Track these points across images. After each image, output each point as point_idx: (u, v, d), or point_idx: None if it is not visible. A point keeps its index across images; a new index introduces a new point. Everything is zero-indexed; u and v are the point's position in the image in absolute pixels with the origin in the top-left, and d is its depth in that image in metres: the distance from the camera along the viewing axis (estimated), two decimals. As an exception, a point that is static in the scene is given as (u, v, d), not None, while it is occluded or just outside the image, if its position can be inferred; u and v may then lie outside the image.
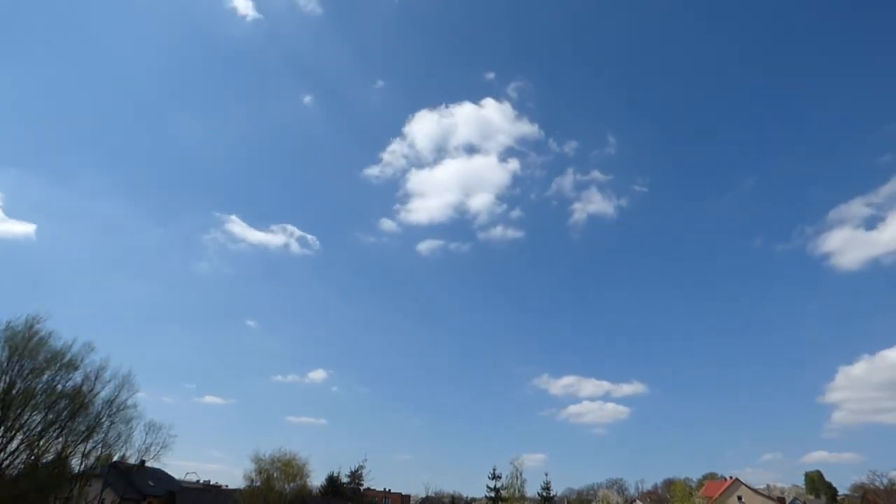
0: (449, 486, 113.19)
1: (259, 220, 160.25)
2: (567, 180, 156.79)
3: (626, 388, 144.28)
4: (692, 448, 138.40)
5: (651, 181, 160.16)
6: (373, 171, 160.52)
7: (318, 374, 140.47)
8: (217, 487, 66.38)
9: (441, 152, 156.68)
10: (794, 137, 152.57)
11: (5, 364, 29.48)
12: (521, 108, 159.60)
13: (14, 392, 29.30)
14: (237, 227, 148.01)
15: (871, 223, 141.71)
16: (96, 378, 35.04)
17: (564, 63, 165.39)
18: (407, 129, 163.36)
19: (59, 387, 32.15)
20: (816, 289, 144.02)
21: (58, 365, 31.83)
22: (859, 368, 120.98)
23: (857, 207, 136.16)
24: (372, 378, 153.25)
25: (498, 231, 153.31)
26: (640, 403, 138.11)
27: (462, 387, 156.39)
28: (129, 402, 37.28)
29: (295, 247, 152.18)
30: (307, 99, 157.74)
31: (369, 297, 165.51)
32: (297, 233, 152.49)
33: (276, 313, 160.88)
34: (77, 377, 33.67)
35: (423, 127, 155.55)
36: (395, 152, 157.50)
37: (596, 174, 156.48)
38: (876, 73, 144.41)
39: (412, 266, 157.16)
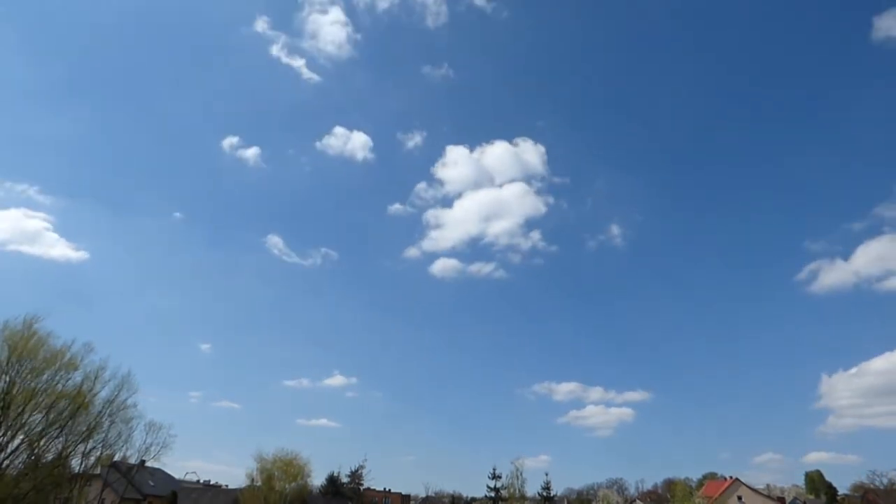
0: (449, 486, 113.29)
1: (299, 244, 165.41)
2: (585, 210, 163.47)
3: (630, 396, 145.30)
4: (692, 449, 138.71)
5: (656, 210, 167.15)
6: (403, 206, 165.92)
7: (335, 380, 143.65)
8: (217, 487, 66.39)
9: (467, 185, 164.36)
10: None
11: (5, 364, 29.38)
12: (550, 148, 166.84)
13: (14, 392, 29.23)
14: (277, 248, 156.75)
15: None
16: (96, 378, 34.90)
17: (587, 107, 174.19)
18: (439, 166, 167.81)
19: (59, 386, 32.01)
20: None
21: (57, 364, 31.73)
22: (854, 374, 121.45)
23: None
24: (385, 384, 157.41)
25: (515, 254, 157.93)
26: (643, 408, 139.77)
27: (471, 394, 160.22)
28: (129, 402, 37.18)
29: (325, 265, 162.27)
30: (352, 136, 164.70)
31: (388, 311, 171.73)
32: (332, 254, 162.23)
33: (300, 323, 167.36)
34: (77, 377, 33.58)
35: (456, 166, 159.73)
36: (425, 189, 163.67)
37: (609, 207, 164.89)
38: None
39: (429, 285, 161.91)
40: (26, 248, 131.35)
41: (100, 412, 35.48)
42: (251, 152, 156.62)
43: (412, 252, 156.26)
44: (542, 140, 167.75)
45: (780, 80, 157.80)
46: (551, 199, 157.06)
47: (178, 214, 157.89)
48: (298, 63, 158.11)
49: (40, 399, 30.60)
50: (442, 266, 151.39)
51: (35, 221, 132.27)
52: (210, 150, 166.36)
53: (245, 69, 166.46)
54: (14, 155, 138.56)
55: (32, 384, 30.37)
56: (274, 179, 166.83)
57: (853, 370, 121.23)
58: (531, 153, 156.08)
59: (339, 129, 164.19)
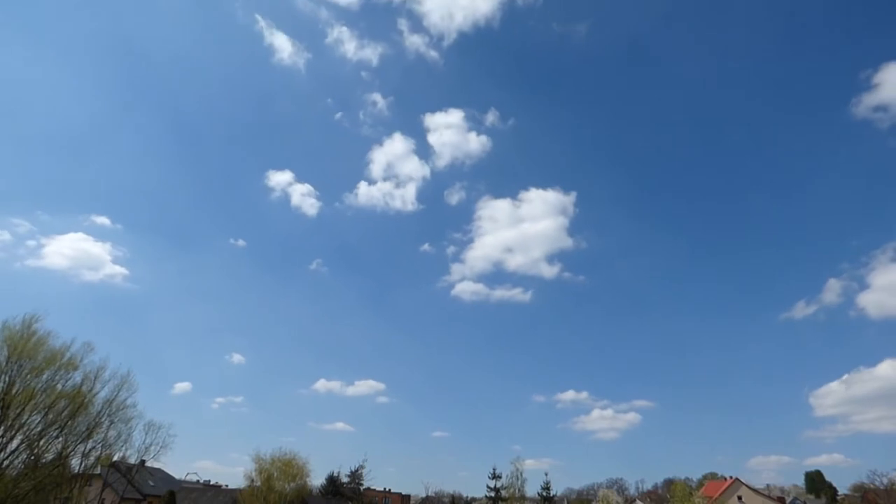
0: (449, 486, 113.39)
1: (341, 269, 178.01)
2: (599, 244, 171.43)
3: (636, 404, 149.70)
4: (692, 449, 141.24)
5: (664, 251, 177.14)
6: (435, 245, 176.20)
7: (359, 387, 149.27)
8: (217, 487, 66.38)
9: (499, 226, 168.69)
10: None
11: (4, 364, 29.34)
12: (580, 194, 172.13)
13: (14, 392, 29.22)
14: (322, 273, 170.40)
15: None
16: (96, 378, 34.89)
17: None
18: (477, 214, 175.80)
19: (59, 386, 31.95)
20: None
21: (57, 364, 31.68)
22: (854, 379, 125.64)
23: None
24: (407, 392, 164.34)
25: (533, 281, 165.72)
26: (647, 414, 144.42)
27: (481, 401, 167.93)
28: (129, 402, 37.16)
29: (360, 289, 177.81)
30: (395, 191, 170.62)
31: (413, 332, 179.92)
32: (366, 281, 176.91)
33: (331, 337, 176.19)
34: (77, 377, 33.55)
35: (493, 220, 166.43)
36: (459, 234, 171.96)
37: (623, 243, 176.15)
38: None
39: (454, 307, 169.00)
40: (89, 273, 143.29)
41: (99, 412, 35.46)
42: (304, 188, 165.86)
43: (440, 279, 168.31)
44: (573, 187, 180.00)
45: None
46: (571, 236, 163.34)
47: (237, 242, 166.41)
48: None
49: (40, 399, 30.56)
50: (465, 289, 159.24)
51: (99, 248, 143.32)
52: (262, 185, 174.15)
53: (307, 118, 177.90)
54: (90, 189, 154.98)
55: (32, 384, 30.35)
56: (323, 216, 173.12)
57: (844, 377, 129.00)
58: (560, 198, 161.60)
59: (384, 183, 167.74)
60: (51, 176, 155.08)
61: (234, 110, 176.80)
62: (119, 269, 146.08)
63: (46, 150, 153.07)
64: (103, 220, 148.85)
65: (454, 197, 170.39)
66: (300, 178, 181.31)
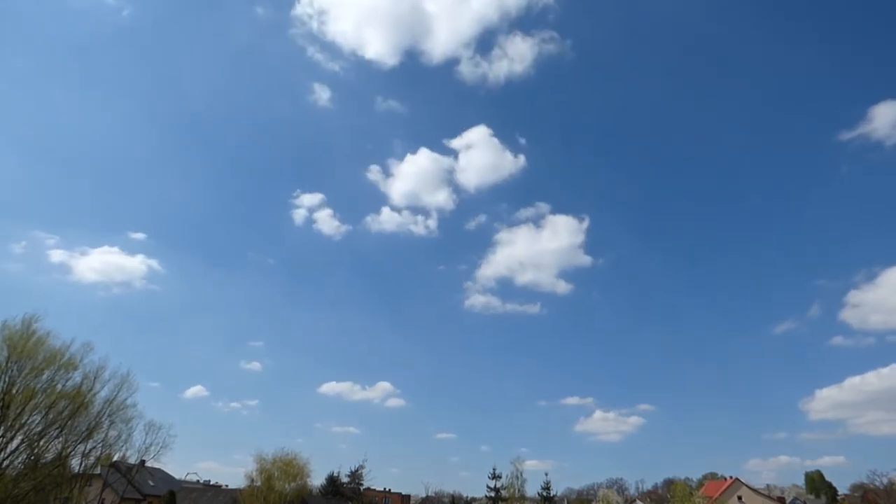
0: (450, 486, 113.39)
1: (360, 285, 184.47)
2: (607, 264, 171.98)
3: (638, 408, 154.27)
4: (692, 449, 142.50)
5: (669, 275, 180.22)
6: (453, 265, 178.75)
7: (374, 392, 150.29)
8: (217, 487, 66.37)
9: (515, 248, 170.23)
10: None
11: (4, 364, 29.31)
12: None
13: (14, 392, 29.19)
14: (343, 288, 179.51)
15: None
16: (96, 377, 34.81)
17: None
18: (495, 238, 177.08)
19: (59, 386, 31.88)
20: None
21: (57, 364, 31.63)
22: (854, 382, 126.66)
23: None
24: (419, 397, 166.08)
25: (541, 297, 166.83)
26: (649, 418, 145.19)
27: (487, 405, 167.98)
28: (129, 402, 37.12)
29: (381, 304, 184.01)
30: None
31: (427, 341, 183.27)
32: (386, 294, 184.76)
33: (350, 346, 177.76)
34: (76, 377, 33.49)
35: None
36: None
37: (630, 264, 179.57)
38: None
39: (468, 321, 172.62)
40: (121, 284, 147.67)
41: (99, 412, 35.43)
42: (329, 211, 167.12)
43: (454, 293, 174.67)
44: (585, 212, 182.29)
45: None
46: (583, 253, 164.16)
47: (266, 259, 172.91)
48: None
49: (40, 399, 30.53)
50: (477, 301, 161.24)
51: (132, 261, 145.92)
52: (291, 206, 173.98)
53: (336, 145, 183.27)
54: (131, 207, 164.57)
55: (32, 384, 30.32)
56: (347, 238, 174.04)
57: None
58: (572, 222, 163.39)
59: (406, 211, 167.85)
60: (97, 197, 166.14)
61: (269, 139, 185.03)
62: (149, 284, 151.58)
63: (94, 174, 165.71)
64: (139, 236, 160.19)
65: (474, 223, 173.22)
66: (328, 201, 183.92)
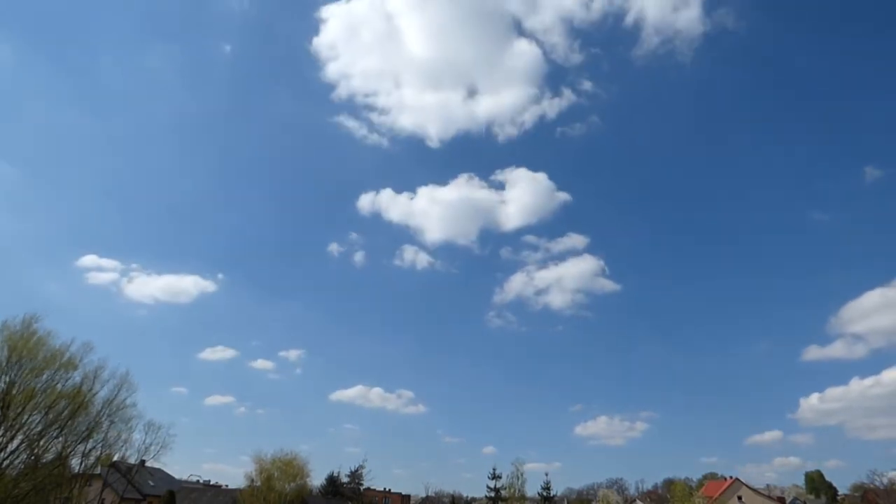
0: (451, 487, 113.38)
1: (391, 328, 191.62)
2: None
3: (642, 413, 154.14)
4: (693, 450, 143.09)
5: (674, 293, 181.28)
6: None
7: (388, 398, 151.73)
8: (217, 487, 66.38)
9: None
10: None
11: (4, 363, 29.32)
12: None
13: (14, 392, 29.18)
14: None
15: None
16: (95, 377, 34.79)
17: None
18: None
19: (59, 386, 31.84)
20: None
21: (57, 364, 31.63)
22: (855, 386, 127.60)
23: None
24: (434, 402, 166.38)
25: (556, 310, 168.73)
26: (651, 421, 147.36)
27: (496, 410, 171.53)
28: (129, 402, 37.10)
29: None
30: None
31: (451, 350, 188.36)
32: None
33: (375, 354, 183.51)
34: (76, 377, 33.46)
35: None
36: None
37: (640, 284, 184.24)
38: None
39: (490, 331, 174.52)
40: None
41: (99, 412, 35.42)
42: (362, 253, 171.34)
43: (475, 312, 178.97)
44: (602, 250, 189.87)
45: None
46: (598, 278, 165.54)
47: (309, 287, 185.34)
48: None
49: (40, 399, 30.50)
50: (494, 317, 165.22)
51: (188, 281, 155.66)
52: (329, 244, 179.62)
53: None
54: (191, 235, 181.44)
55: (32, 384, 30.32)
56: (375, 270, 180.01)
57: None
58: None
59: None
60: (168, 230, 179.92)
61: (312, 180, 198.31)
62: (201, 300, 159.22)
63: (168, 208, 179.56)
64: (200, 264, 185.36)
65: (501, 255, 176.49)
66: (362, 238, 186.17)
